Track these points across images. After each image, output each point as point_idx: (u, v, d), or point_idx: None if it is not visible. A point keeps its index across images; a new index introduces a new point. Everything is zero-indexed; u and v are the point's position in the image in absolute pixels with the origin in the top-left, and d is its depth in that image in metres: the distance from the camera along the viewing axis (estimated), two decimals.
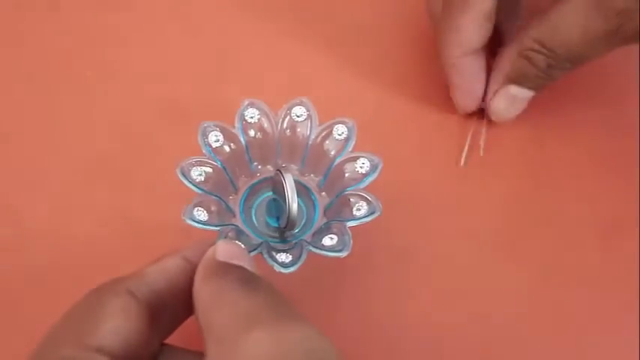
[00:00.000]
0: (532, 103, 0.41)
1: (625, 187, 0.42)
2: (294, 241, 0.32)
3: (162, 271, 0.28)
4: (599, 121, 0.43)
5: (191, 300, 0.26)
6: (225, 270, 0.26)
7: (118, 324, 0.25)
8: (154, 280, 0.28)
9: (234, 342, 0.23)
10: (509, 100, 0.39)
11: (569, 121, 0.43)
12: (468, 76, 0.40)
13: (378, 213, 0.31)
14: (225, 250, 0.27)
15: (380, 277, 0.38)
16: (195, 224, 0.30)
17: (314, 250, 0.30)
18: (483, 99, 0.41)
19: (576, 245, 0.40)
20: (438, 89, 0.43)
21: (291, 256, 0.30)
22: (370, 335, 0.36)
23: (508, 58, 0.39)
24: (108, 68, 0.45)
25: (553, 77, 0.38)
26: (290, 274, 0.29)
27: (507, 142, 0.43)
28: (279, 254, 0.30)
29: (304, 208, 0.34)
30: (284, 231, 0.32)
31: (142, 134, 0.42)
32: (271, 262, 0.29)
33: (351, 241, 0.30)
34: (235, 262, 0.27)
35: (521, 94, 0.39)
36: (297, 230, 0.33)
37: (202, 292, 0.26)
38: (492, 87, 0.40)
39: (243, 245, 0.29)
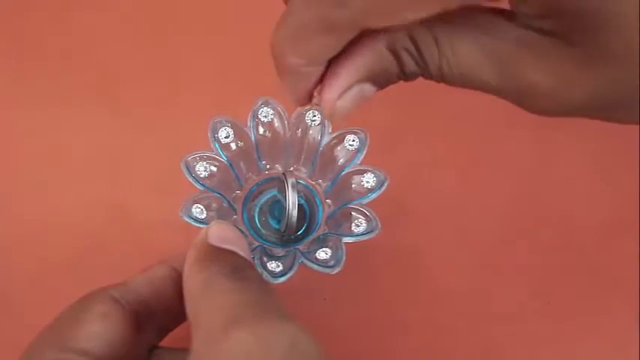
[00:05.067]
0: None
1: (625, 187, 0.41)
2: (291, 247, 0.31)
3: (150, 280, 0.29)
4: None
5: (180, 309, 0.26)
6: (216, 256, 0.26)
7: (98, 328, 0.27)
8: (141, 289, 0.29)
9: (217, 339, 0.23)
10: (361, 101, 0.27)
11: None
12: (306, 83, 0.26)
13: (376, 232, 0.31)
14: (218, 233, 0.27)
15: (380, 277, 0.38)
16: (192, 222, 0.29)
17: (306, 262, 0.30)
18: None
19: (576, 245, 0.40)
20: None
21: (281, 266, 0.30)
22: (370, 335, 0.37)
23: (371, 50, 0.25)
24: (109, 68, 0.44)
25: (409, 80, 0.27)
26: None
27: (507, 141, 0.42)
28: (270, 262, 0.30)
29: (308, 213, 0.33)
30: (283, 235, 0.32)
31: (143, 132, 0.42)
32: (261, 270, 0.29)
33: (344, 258, 0.30)
34: (227, 246, 0.26)
35: (370, 92, 0.27)
36: (299, 233, 0.33)
37: (191, 279, 0.26)
38: (340, 82, 0.26)
39: None
